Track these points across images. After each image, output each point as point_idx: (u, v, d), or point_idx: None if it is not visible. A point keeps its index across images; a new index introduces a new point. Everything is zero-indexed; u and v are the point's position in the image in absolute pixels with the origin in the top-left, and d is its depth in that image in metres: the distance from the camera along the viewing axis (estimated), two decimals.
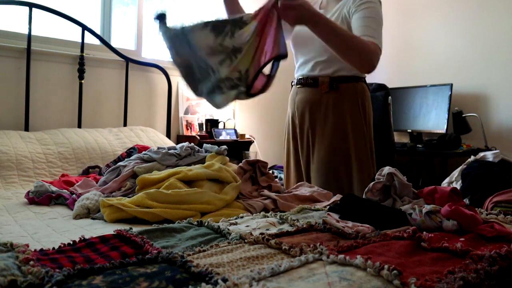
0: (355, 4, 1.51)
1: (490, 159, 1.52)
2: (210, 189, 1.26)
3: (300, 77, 1.69)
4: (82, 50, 2.47)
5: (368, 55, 1.42)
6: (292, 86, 1.77)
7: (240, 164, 1.50)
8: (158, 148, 1.63)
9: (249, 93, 1.18)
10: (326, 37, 1.37)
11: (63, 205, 1.36)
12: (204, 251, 0.76)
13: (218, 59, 1.16)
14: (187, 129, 2.97)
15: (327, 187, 1.56)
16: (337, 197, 1.36)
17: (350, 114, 1.61)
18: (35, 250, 0.76)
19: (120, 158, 1.85)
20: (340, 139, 1.61)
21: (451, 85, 2.95)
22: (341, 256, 0.69)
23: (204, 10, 3.22)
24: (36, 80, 2.35)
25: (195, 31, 1.17)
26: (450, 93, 2.93)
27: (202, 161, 1.56)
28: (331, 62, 1.59)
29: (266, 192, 1.37)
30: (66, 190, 1.47)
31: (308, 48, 1.64)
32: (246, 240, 0.83)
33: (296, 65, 1.75)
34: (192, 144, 1.67)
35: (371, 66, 1.45)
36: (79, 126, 2.47)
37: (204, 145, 1.68)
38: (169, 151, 1.57)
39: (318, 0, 1.71)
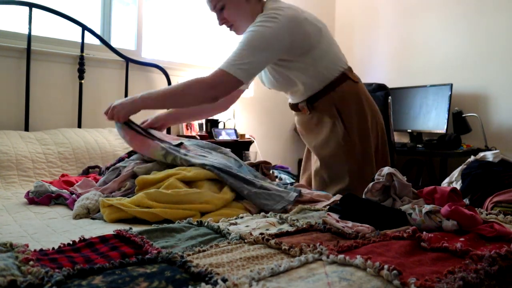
0: None
1: (490, 159, 1.52)
2: (209, 189, 1.25)
3: (289, 102, 1.75)
4: (82, 50, 2.47)
5: (198, 89, 1.42)
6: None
7: None
8: None
9: None
10: (159, 105, 1.58)
11: (63, 205, 1.36)
12: (204, 251, 0.76)
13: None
14: (187, 129, 2.97)
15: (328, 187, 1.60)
16: (337, 197, 1.36)
17: (331, 127, 1.58)
18: (34, 250, 0.76)
19: (121, 161, 1.85)
20: (330, 154, 1.60)
21: (451, 85, 2.95)
22: (341, 256, 0.69)
23: (204, 10, 3.22)
24: (36, 80, 2.35)
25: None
26: (450, 93, 2.93)
27: None
28: (304, 91, 1.59)
29: None
30: (66, 190, 1.47)
31: (281, 89, 1.70)
32: (246, 240, 0.83)
33: None
34: None
35: (208, 96, 1.42)
36: (79, 126, 2.47)
37: None
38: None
39: None
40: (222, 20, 1.53)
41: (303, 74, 1.53)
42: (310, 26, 1.49)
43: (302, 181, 1.83)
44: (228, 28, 1.55)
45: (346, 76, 1.58)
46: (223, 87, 1.42)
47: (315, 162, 1.69)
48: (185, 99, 1.45)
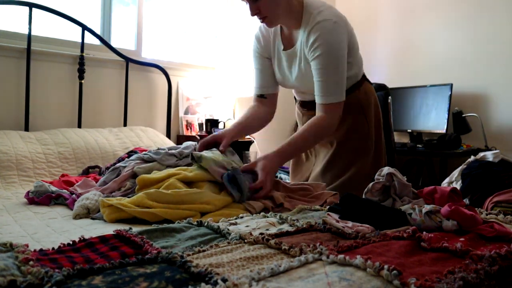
0: (310, 45, 1.44)
1: (490, 159, 1.52)
2: (210, 189, 1.25)
3: (304, 101, 1.70)
4: (82, 50, 2.47)
5: (327, 128, 1.50)
6: (296, 101, 1.79)
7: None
8: (159, 148, 1.63)
9: None
10: (299, 152, 1.63)
11: (63, 205, 1.36)
12: (203, 251, 0.76)
13: None
14: (187, 129, 2.97)
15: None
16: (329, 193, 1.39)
17: (353, 122, 1.62)
18: (34, 250, 0.76)
19: (121, 160, 1.85)
20: (350, 153, 1.62)
21: (451, 85, 2.94)
22: (341, 256, 0.69)
23: (204, 10, 3.22)
24: (36, 80, 2.35)
25: None
26: (450, 93, 2.93)
27: None
28: None
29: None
30: (66, 190, 1.47)
31: (295, 87, 1.68)
32: (245, 240, 0.83)
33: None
34: (196, 143, 1.67)
35: (333, 128, 1.52)
36: (79, 126, 2.47)
37: None
38: (169, 151, 1.57)
39: (277, 29, 1.60)
40: (255, 11, 1.43)
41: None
42: (349, 26, 1.54)
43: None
44: (260, 20, 1.47)
45: (365, 77, 1.68)
46: (338, 115, 1.51)
47: (323, 158, 1.67)
48: (318, 142, 1.60)
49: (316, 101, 1.49)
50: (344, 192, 1.58)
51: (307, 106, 1.67)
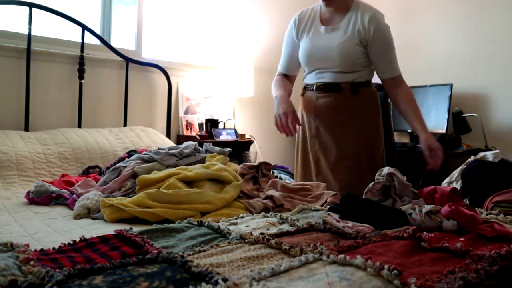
0: (373, 33, 1.67)
1: (490, 159, 1.52)
2: (210, 189, 1.26)
3: (319, 84, 1.75)
4: (82, 50, 2.47)
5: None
6: (305, 91, 1.82)
7: (239, 169, 1.50)
8: (159, 148, 1.63)
9: None
10: None
11: (63, 205, 1.36)
12: (204, 251, 0.76)
13: None
14: (187, 129, 2.97)
15: (347, 186, 1.65)
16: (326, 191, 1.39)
17: (369, 116, 1.75)
18: (35, 250, 0.76)
19: (121, 160, 1.85)
20: (361, 140, 1.72)
21: (451, 85, 2.94)
22: (341, 256, 0.69)
23: (204, 10, 3.22)
24: (36, 80, 2.35)
25: None
26: (450, 93, 2.93)
27: (202, 161, 1.56)
28: (349, 72, 1.71)
29: (270, 191, 1.37)
30: (66, 190, 1.47)
31: (326, 60, 1.73)
32: (246, 240, 0.83)
33: (306, 73, 1.82)
34: (195, 143, 1.68)
35: None
36: (79, 126, 2.47)
37: (205, 145, 1.68)
38: (169, 151, 1.57)
39: (317, 13, 1.79)
40: None
41: (369, 62, 1.75)
42: None
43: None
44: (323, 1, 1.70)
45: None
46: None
47: (338, 151, 1.72)
48: None
49: (385, 77, 1.74)
50: (355, 184, 1.64)
51: (324, 88, 1.75)
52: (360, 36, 1.68)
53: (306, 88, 1.82)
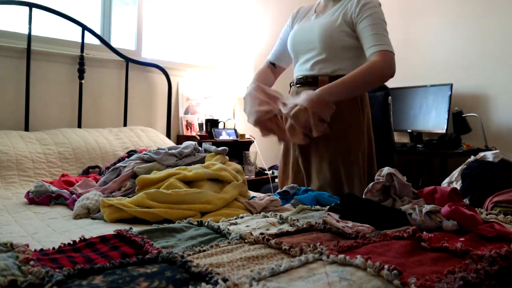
0: (358, 10, 1.56)
1: (490, 159, 1.52)
2: (210, 189, 1.26)
3: (299, 77, 1.69)
4: (82, 50, 2.47)
5: (380, 71, 1.52)
6: (291, 86, 1.77)
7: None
8: (159, 148, 1.63)
9: None
10: (347, 94, 1.53)
11: (63, 205, 1.36)
12: (204, 251, 0.76)
13: None
14: (187, 129, 2.97)
15: (329, 187, 1.57)
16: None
17: (349, 113, 1.60)
18: (35, 250, 0.76)
19: (121, 160, 1.85)
20: (341, 138, 1.59)
21: (451, 85, 2.95)
22: (341, 256, 0.69)
23: (204, 10, 3.22)
24: (36, 80, 2.35)
25: None
26: (450, 93, 2.93)
27: (201, 161, 1.56)
28: (330, 61, 1.60)
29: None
30: (66, 190, 1.47)
31: (308, 46, 1.65)
32: (246, 240, 0.83)
33: (295, 65, 1.75)
34: (195, 143, 1.67)
35: (388, 76, 1.54)
36: (79, 126, 2.47)
37: (204, 144, 1.67)
38: (169, 151, 1.57)
39: (315, 5, 1.77)
40: None
41: (359, 55, 1.60)
42: None
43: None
44: None
45: None
46: (394, 65, 1.57)
47: (317, 152, 1.63)
48: (369, 86, 1.59)
49: (367, 54, 1.54)
50: (339, 185, 1.59)
51: (302, 82, 1.67)
52: (345, 17, 1.57)
53: (291, 84, 1.77)
